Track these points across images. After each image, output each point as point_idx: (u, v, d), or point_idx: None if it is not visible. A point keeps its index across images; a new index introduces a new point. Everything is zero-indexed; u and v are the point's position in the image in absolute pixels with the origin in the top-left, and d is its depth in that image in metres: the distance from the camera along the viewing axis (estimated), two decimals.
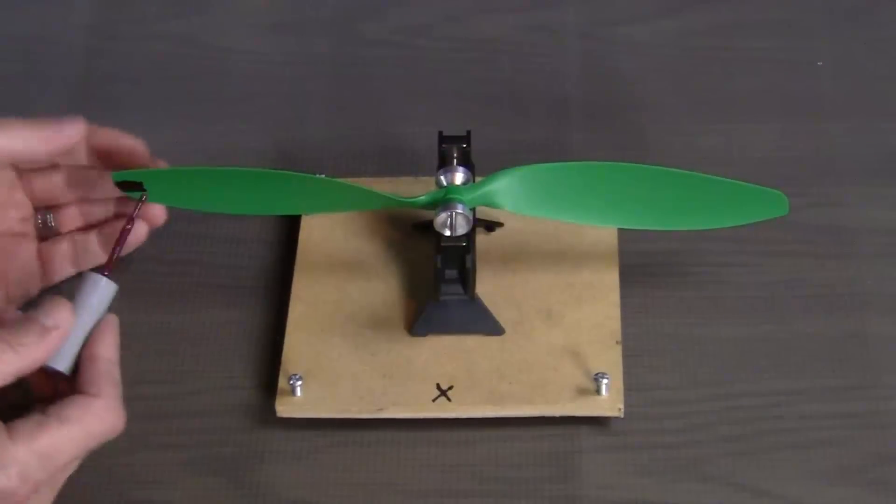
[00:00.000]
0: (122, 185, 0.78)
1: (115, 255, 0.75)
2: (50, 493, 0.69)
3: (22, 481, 0.66)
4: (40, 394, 0.72)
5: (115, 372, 0.71)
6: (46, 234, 0.81)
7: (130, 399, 0.78)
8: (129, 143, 0.79)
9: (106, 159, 0.79)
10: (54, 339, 0.69)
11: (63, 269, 0.81)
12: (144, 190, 0.77)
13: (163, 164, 0.80)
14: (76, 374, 0.71)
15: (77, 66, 0.95)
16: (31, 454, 0.66)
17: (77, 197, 0.81)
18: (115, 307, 0.81)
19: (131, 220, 0.76)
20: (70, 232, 0.81)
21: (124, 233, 0.76)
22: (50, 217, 0.80)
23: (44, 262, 0.80)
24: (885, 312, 0.80)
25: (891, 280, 0.81)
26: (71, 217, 0.81)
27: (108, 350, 0.71)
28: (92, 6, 0.99)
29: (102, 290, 0.73)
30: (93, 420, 0.68)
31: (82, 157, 0.79)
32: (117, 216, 0.80)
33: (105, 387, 0.70)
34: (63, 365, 0.71)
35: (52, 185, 0.80)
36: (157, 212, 0.79)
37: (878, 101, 0.90)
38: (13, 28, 0.98)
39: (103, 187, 0.80)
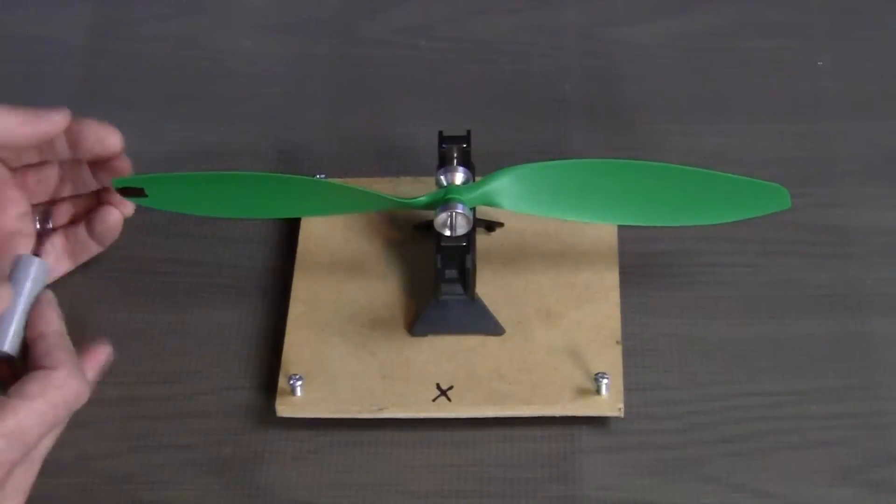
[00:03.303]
0: (123, 191, 0.78)
1: (46, 233, 0.76)
2: (30, 472, 0.69)
3: None
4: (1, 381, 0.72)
5: (66, 343, 0.71)
6: (45, 233, 0.81)
7: (130, 399, 0.78)
8: (102, 131, 0.78)
9: (77, 146, 0.79)
10: None
11: (61, 265, 0.81)
12: (146, 195, 0.78)
13: (128, 163, 0.80)
14: (29, 355, 0.70)
15: (77, 66, 0.95)
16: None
17: (71, 192, 0.81)
18: (115, 307, 0.82)
19: (54, 202, 0.77)
20: (62, 226, 0.81)
21: (48, 214, 0.77)
22: (49, 220, 0.80)
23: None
24: (885, 312, 0.80)
25: (891, 280, 0.81)
26: (64, 211, 0.81)
27: (52, 324, 0.71)
28: (92, 6, 0.99)
29: (34, 270, 0.73)
30: (55, 391, 0.68)
31: (65, 150, 0.79)
32: (101, 203, 0.81)
33: (60, 357, 0.69)
34: (10, 347, 0.71)
35: (46, 180, 0.80)
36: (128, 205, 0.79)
37: (878, 101, 0.90)
38: (13, 28, 0.98)
39: (91, 180, 0.80)
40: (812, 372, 0.78)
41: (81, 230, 0.81)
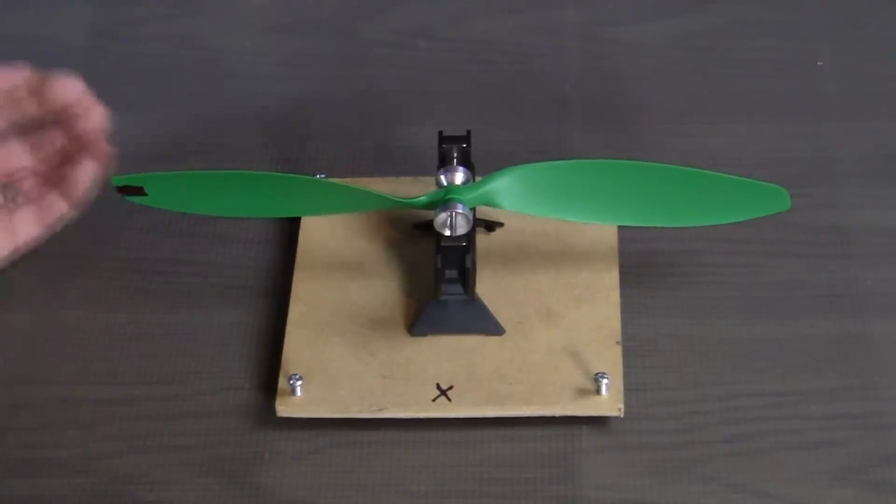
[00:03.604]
0: (122, 189, 0.78)
1: (15, 207, 0.77)
2: None
3: None
4: None
5: None
6: (14, 209, 0.81)
7: (130, 399, 0.78)
8: (64, 78, 0.80)
9: (42, 96, 0.80)
10: None
11: (28, 229, 0.81)
12: (145, 194, 0.78)
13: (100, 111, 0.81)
14: None
15: (77, 66, 0.95)
16: None
17: (37, 159, 0.81)
18: (115, 307, 0.82)
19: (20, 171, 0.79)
20: (31, 195, 0.81)
21: (14, 186, 0.79)
22: (20, 198, 0.81)
23: (11, 227, 0.80)
24: (885, 312, 0.80)
25: (891, 280, 0.81)
26: (30, 178, 0.81)
27: None
28: (92, 6, 0.99)
29: None
30: None
31: (32, 105, 0.80)
32: (71, 159, 0.81)
33: None
34: None
35: (11, 154, 0.80)
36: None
37: (878, 101, 0.90)
38: (13, 28, 0.98)
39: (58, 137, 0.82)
40: (812, 372, 0.78)
41: (49, 192, 0.81)
